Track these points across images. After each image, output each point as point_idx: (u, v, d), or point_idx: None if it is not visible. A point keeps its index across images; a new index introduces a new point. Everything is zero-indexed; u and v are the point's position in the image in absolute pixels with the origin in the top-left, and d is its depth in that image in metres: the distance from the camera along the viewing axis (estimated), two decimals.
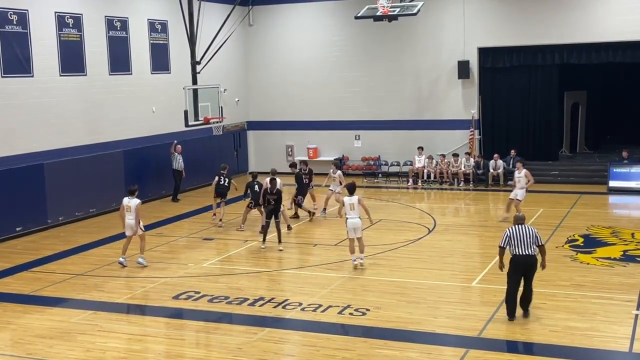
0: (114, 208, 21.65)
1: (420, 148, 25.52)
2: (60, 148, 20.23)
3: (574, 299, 12.51)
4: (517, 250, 11.33)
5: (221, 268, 15.36)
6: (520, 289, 11.58)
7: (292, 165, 21.12)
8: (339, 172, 20.08)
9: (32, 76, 19.39)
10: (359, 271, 14.67)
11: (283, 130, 28.59)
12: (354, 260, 14.91)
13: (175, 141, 23.33)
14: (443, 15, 25.94)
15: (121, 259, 15.51)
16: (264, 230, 16.75)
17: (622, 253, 15.39)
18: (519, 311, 11.58)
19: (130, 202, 15.48)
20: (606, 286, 13.18)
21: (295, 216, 19.89)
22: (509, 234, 11.42)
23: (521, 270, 11.38)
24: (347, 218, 14.82)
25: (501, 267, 11.73)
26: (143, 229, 15.78)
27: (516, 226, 11.49)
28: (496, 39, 25.49)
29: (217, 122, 21.53)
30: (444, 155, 25.63)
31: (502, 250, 11.54)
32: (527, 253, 11.28)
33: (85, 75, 21.17)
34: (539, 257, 11.59)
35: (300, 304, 12.64)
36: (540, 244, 11.42)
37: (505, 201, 22.51)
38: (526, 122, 26.22)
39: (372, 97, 27.28)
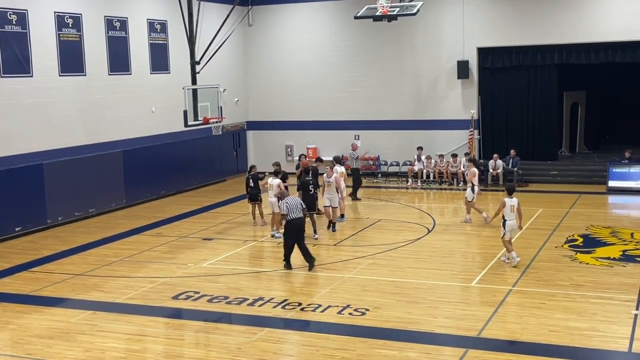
0: (114, 208, 21.76)
1: (420, 148, 25.52)
2: (59, 148, 20.22)
3: (573, 299, 12.51)
4: (292, 215, 14.47)
5: (221, 268, 15.36)
6: None
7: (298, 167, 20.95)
8: (277, 180, 18.04)
9: (32, 76, 19.39)
10: (358, 271, 14.67)
11: (283, 130, 28.59)
12: (514, 261, 14.50)
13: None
14: (442, 16, 25.95)
15: (274, 233, 17.50)
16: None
17: (621, 253, 15.39)
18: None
19: (273, 182, 17.53)
20: (605, 286, 13.17)
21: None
22: (288, 205, 14.55)
23: (296, 230, 14.56)
24: (505, 220, 14.53)
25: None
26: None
27: (289, 197, 14.88)
28: (495, 39, 25.49)
29: (216, 122, 21.50)
30: (442, 156, 25.62)
31: (285, 216, 14.57)
32: (298, 216, 14.55)
33: (85, 75, 21.17)
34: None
35: (300, 304, 12.63)
36: (304, 207, 14.87)
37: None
38: (525, 122, 26.22)
39: (372, 97, 27.27)
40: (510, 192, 14.81)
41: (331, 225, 18.29)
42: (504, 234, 14.66)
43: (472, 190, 18.67)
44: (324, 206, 18.31)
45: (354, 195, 22.53)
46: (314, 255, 14.91)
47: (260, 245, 17.19)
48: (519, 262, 14.53)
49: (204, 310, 12.56)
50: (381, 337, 11.06)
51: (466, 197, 18.91)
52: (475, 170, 19.13)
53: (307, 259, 14.78)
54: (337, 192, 18.31)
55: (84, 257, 16.61)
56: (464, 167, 24.97)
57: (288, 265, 14.85)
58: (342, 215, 19.53)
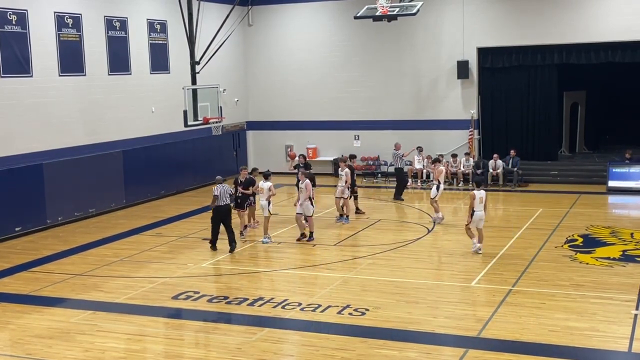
0: (114, 208, 21.75)
1: (420, 148, 25.50)
2: (59, 148, 20.22)
3: (573, 299, 12.51)
4: (219, 202, 16.21)
5: (221, 268, 15.36)
6: None
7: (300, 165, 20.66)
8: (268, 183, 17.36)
9: (32, 76, 19.39)
10: (358, 271, 14.68)
11: (282, 130, 28.59)
12: (475, 247, 15.78)
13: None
14: (442, 16, 25.94)
15: (265, 239, 17.26)
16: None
17: (621, 253, 15.39)
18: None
19: (264, 185, 17.22)
20: (605, 286, 13.18)
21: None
22: (216, 193, 16.25)
23: (221, 215, 16.34)
24: (474, 211, 15.58)
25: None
26: (270, 211, 17.27)
27: (219, 185, 16.36)
28: (495, 39, 25.49)
29: (216, 122, 21.51)
30: (442, 155, 25.57)
31: (215, 198, 16.24)
32: (224, 203, 16.32)
33: (85, 75, 21.17)
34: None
35: (300, 304, 12.63)
36: (231, 193, 16.73)
37: (504, 201, 22.57)
38: (525, 122, 26.21)
39: (372, 97, 27.27)
40: (478, 185, 16.16)
41: (302, 236, 17.33)
42: (470, 222, 15.66)
43: (437, 188, 18.93)
44: (297, 213, 17.24)
45: (397, 196, 22.42)
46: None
47: (260, 246, 17.18)
48: (478, 250, 15.66)
49: (204, 310, 12.56)
50: (381, 337, 11.06)
51: (430, 196, 19.10)
52: (442, 169, 19.50)
53: (230, 242, 16.40)
54: (310, 200, 17.21)
55: (83, 257, 16.61)
56: (463, 166, 25.01)
57: (214, 247, 16.60)
58: (347, 217, 19.39)
